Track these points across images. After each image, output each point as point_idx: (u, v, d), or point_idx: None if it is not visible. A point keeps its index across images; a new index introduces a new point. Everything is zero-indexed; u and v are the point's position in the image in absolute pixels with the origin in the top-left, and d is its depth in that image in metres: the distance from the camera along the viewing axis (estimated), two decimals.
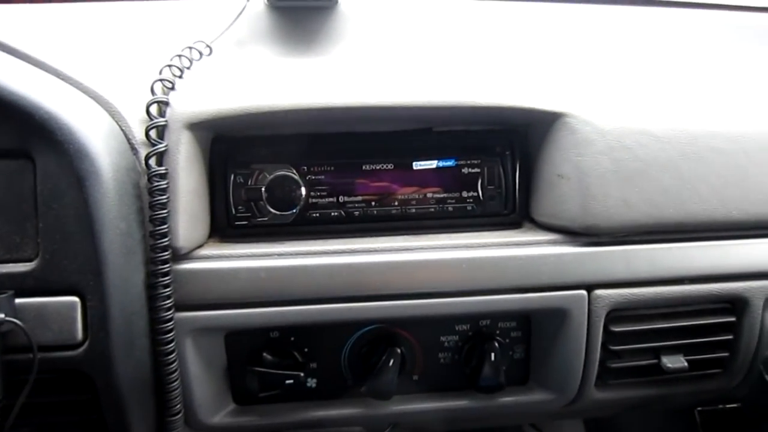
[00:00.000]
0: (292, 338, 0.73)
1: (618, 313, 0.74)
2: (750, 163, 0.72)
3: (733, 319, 0.77)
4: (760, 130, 0.73)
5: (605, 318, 0.73)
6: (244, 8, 0.82)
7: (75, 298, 0.57)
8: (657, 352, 0.77)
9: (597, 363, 0.75)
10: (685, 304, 0.76)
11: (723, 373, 0.80)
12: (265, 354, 0.71)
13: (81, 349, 0.58)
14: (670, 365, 0.75)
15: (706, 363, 0.78)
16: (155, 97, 0.63)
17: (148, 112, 0.62)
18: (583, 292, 0.72)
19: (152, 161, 0.61)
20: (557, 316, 0.73)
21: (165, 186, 0.61)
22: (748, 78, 0.84)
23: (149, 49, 0.71)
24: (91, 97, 0.61)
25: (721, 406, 0.85)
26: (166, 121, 0.62)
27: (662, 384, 0.79)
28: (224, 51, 0.79)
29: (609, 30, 0.89)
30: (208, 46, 0.75)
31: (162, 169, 0.61)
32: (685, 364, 0.75)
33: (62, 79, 0.61)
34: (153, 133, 0.62)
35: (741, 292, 0.75)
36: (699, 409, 0.86)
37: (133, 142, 0.63)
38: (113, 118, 0.62)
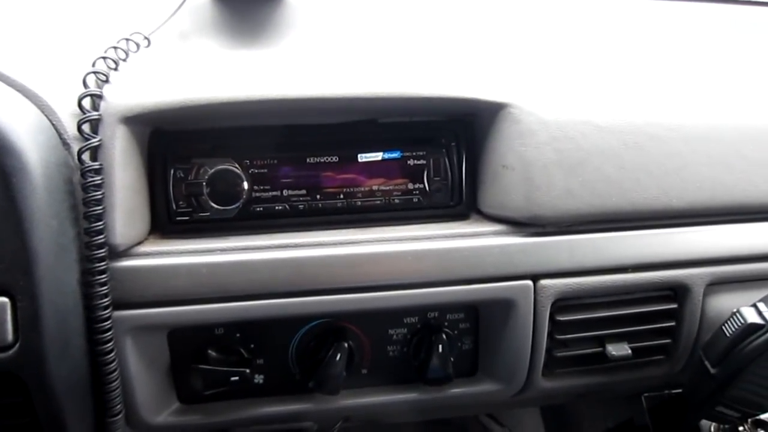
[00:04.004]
0: (238, 334, 0.72)
1: (563, 302, 0.75)
2: (689, 151, 0.73)
3: (674, 306, 0.78)
4: (699, 119, 0.74)
5: (551, 307, 0.73)
6: None
7: (4, 299, 0.55)
8: (602, 341, 0.78)
9: (544, 352, 0.75)
10: (628, 293, 0.77)
11: (666, 360, 0.82)
12: (209, 351, 0.70)
13: (12, 351, 0.55)
14: (614, 353, 0.76)
15: (649, 350, 0.79)
16: (88, 90, 0.60)
17: (80, 105, 0.60)
18: (529, 282, 0.72)
19: (86, 156, 0.59)
20: (504, 306, 0.73)
21: (99, 181, 0.59)
22: (693, 68, 0.85)
23: (83, 41, 0.69)
24: (17, 90, 0.59)
25: (666, 391, 0.87)
26: (99, 114, 0.60)
27: (608, 372, 0.80)
28: (165, 43, 0.77)
29: (555, 20, 0.90)
30: (146, 37, 0.73)
31: (96, 165, 0.59)
32: (629, 351, 0.76)
33: None
34: (86, 128, 0.60)
35: (682, 280, 0.76)
36: (646, 394, 0.88)
37: (65, 137, 0.60)
38: (42, 111, 0.59)
